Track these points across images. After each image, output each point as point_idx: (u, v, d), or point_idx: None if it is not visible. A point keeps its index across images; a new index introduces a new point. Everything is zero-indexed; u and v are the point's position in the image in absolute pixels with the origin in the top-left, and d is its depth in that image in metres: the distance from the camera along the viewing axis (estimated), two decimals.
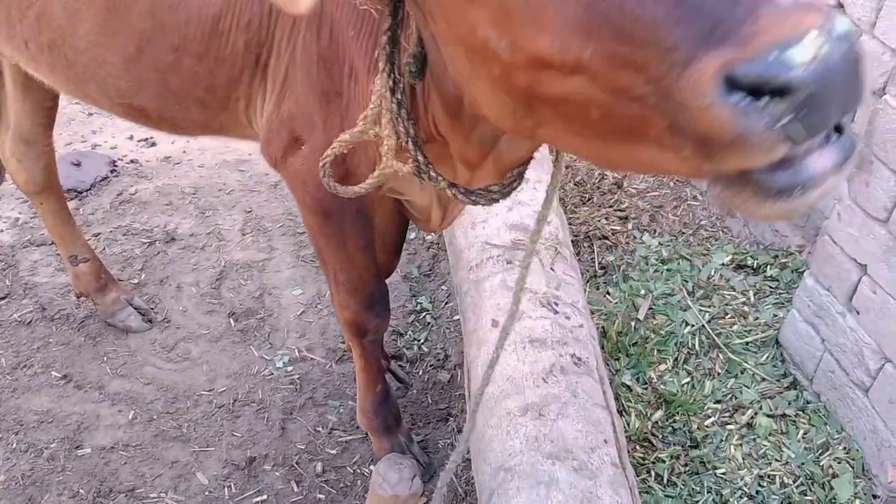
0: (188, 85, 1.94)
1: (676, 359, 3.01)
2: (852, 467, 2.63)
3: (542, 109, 1.00)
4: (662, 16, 0.77)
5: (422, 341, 3.27)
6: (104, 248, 3.65)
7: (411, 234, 3.85)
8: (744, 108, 0.73)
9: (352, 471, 2.76)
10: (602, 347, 2.95)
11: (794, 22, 0.71)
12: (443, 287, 3.53)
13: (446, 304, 3.44)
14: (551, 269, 2.74)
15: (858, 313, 2.64)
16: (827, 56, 0.71)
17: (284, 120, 1.86)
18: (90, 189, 4.03)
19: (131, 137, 4.49)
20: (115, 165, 4.23)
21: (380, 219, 2.31)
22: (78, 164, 4.14)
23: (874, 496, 2.58)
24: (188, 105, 2.01)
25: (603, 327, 3.09)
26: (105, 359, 3.12)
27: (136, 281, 3.49)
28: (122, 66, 1.98)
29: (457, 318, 3.25)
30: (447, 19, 1.07)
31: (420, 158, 1.41)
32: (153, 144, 4.45)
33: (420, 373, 3.14)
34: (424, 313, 3.41)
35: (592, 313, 3.07)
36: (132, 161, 4.30)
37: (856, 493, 2.57)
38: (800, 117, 0.73)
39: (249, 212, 3.93)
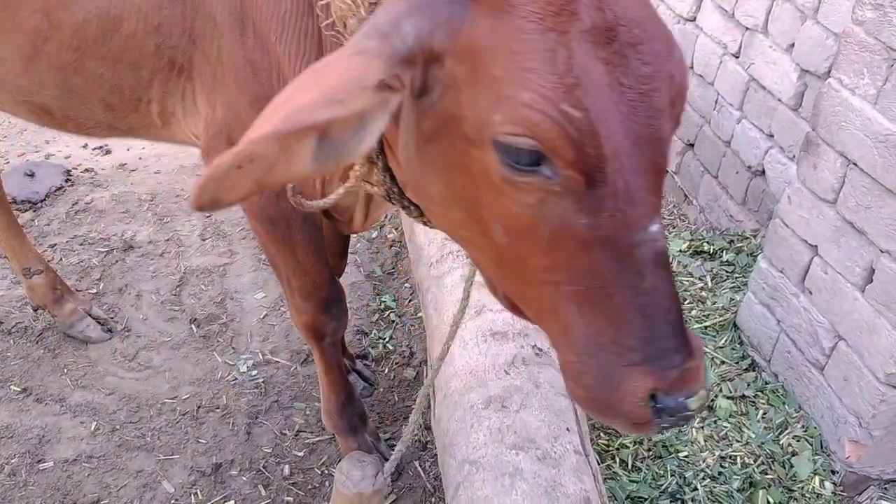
0: (92, 85, 1.88)
1: None
2: (811, 445, 2.69)
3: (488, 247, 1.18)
4: (640, 323, 1.06)
5: (387, 340, 3.27)
6: (61, 259, 3.59)
7: (373, 234, 3.85)
8: (653, 409, 1.09)
9: (319, 472, 2.75)
10: None
11: (691, 385, 1.09)
12: (406, 285, 3.54)
13: (410, 301, 3.44)
14: None
15: (811, 293, 2.70)
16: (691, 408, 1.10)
17: (221, 126, 1.82)
18: (45, 199, 3.97)
19: (86, 146, 4.43)
20: (70, 175, 4.17)
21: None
22: (32, 175, 4.07)
23: (833, 472, 2.64)
24: (93, 105, 1.95)
25: None
26: (65, 371, 3.08)
27: (94, 290, 3.44)
28: (20, 63, 1.92)
29: (421, 315, 3.25)
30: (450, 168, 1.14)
31: (399, 195, 1.45)
32: (108, 152, 4.39)
33: (386, 371, 3.15)
34: (388, 311, 3.41)
35: None
36: (87, 170, 4.24)
37: (815, 470, 2.62)
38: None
39: (208, 216, 3.89)
